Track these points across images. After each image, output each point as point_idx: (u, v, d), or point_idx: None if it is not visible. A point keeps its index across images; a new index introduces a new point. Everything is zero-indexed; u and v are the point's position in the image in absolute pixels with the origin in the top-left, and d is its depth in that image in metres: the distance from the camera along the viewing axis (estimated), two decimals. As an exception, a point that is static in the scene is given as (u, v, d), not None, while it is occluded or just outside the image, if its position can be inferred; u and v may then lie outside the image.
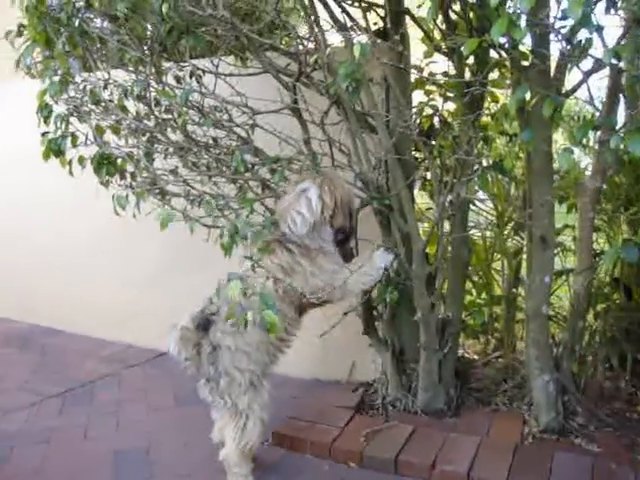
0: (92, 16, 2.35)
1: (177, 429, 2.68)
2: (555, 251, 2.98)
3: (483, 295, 3.29)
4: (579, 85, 2.14)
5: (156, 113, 2.50)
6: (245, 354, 2.12)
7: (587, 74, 1.95)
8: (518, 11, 1.58)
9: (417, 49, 2.96)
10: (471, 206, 3.19)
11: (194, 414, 2.50)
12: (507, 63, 2.53)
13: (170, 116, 2.51)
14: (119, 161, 2.47)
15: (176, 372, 2.21)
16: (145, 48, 2.21)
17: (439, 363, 2.68)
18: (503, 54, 2.29)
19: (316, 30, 2.17)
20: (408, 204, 2.52)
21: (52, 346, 3.87)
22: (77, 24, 2.16)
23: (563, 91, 2.23)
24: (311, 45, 2.24)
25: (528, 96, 1.99)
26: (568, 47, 1.84)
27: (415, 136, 2.50)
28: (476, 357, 3.29)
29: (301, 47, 2.15)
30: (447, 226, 2.62)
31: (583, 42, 1.77)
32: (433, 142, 2.70)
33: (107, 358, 3.60)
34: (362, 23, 2.52)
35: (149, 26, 2.14)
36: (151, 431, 2.67)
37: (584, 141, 3.01)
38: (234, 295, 1.69)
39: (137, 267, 3.80)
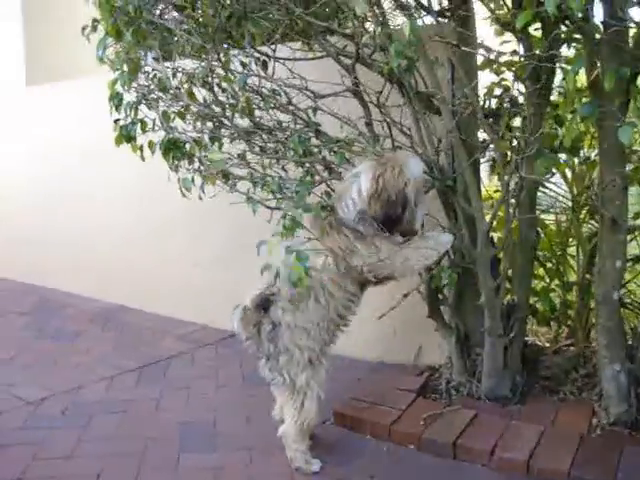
0: (161, 7, 2.44)
1: (242, 405, 2.77)
2: (632, 235, 2.85)
3: (556, 281, 3.18)
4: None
5: (222, 98, 2.58)
6: (304, 331, 2.16)
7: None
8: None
9: (488, 29, 2.89)
10: (547, 188, 3.12)
11: (259, 392, 2.57)
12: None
13: (235, 101, 2.58)
14: (187, 146, 2.56)
15: (246, 352, 2.28)
16: (207, 37, 2.26)
17: (504, 349, 2.62)
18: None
19: (376, 10, 2.15)
20: (472, 185, 2.47)
21: (131, 324, 4.08)
22: (144, 16, 2.25)
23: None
24: (370, 26, 2.22)
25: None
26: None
27: (480, 117, 2.45)
28: (547, 345, 3.19)
29: (358, 28, 2.13)
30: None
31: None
32: (500, 123, 2.63)
33: (182, 337, 3.76)
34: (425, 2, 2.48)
35: (211, 13, 2.18)
36: (217, 406, 2.78)
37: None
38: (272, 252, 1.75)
39: (208, 248, 3.94)
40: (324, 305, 2.16)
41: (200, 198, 2.39)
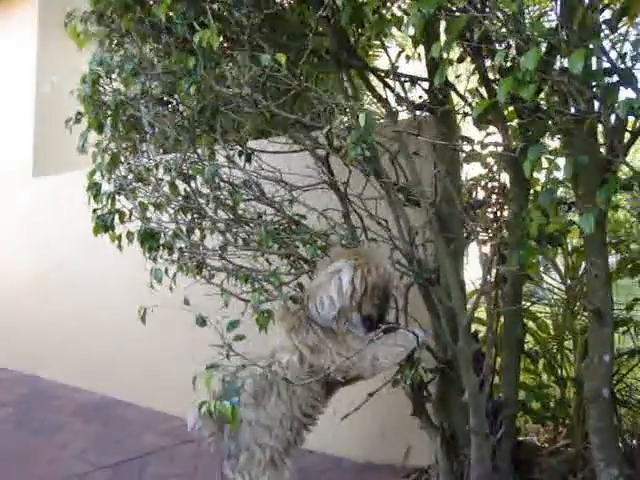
0: (143, 102, 2.51)
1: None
2: (625, 328, 2.75)
3: (551, 377, 3.04)
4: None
5: (205, 191, 2.60)
6: (266, 429, 2.05)
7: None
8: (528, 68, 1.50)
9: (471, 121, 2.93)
10: (540, 280, 3.05)
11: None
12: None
13: (217, 193, 2.60)
14: (166, 237, 2.56)
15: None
16: (183, 129, 2.32)
17: (493, 450, 2.46)
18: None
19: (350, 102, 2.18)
20: (452, 278, 2.41)
21: (118, 417, 3.97)
22: (124, 111, 2.31)
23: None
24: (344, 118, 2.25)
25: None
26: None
27: (460, 210, 2.44)
28: (545, 444, 3.01)
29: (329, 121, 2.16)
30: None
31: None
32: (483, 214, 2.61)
33: (166, 432, 3.62)
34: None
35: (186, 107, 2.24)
36: (190, 509, 2.62)
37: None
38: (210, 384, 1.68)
39: (202, 343, 3.85)
40: (286, 402, 2.07)
41: (170, 289, 2.36)
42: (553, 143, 2.65)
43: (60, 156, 5.17)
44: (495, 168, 2.83)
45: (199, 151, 2.37)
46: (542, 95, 2.27)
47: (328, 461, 3.14)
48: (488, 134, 2.89)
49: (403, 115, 2.63)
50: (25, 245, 5.37)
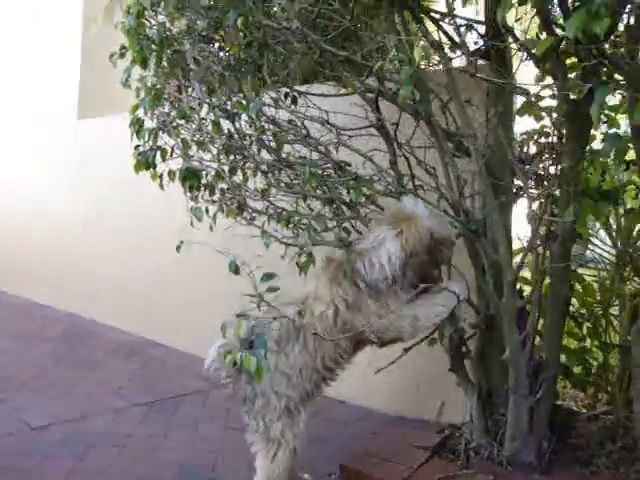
0: (189, 39, 2.44)
1: (247, 451, 2.61)
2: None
3: (595, 342, 2.94)
4: None
5: (249, 131, 2.54)
6: (285, 376, 2.02)
7: None
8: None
9: (528, 75, 2.78)
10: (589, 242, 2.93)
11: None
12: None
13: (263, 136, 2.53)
14: (208, 177, 2.52)
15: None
16: (229, 66, 2.24)
17: (530, 410, 2.40)
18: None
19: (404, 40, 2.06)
20: (500, 231, 2.32)
21: (155, 358, 4.03)
22: (168, 46, 2.25)
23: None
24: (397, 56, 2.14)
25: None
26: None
27: (513, 161, 2.33)
28: (583, 410, 2.93)
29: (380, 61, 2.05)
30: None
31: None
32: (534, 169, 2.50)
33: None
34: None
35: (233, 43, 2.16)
36: (221, 449, 2.65)
37: None
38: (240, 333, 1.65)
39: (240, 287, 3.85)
40: (311, 352, 2.03)
41: (211, 228, 2.33)
42: (613, 99, 2.51)
43: (106, 99, 5.18)
44: (549, 122, 2.71)
45: (244, 91, 2.29)
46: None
47: (359, 412, 3.13)
48: (544, 87, 2.76)
49: (457, 62, 2.51)
50: (69, 187, 5.43)
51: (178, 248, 2.29)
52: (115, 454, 2.55)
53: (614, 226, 2.93)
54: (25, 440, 2.65)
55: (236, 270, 2.11)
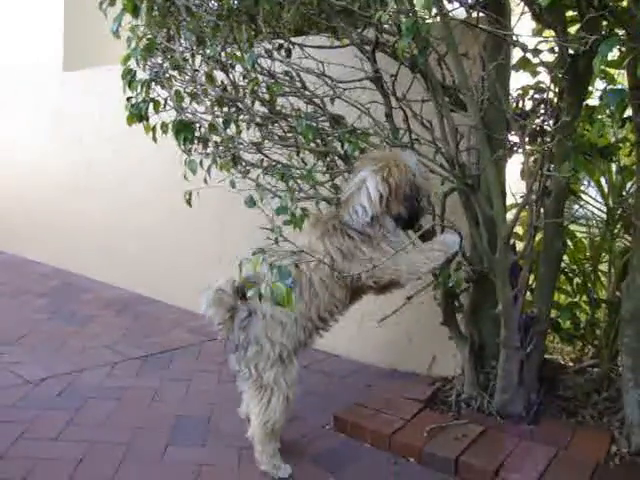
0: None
1: (240, 402, 2.67)
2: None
3: (583, 297, 2.98)
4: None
5: (242, 84, 2.50)
6: (280, 324, 2.04)
7: None
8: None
9: (526, 29, 2.74)
10: (580, 199, 2.95)
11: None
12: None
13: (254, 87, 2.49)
14: (202, 129, 2.48)
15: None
16: (224, 16, 2.18)
17: (521, 364, 2.45)
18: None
19: None
20: (495, 186, 2.31)
21: (147, 313, 4.04)
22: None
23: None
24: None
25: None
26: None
27: (510, 116, 2.31)
28: (570, 364, 3.00)
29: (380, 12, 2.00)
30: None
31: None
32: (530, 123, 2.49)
33: (194, 329, 3.68)
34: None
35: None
36: (216, 402, 2.69)
37: None
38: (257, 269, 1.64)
39: (232, 243, 3.85)
40: (307, 302, 2.05)
41: (205, 181, 2.31)
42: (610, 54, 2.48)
43: (93, 49, 5.04)
44: (545, 78, 2.68)
45: (238, 42, 2.24)
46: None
47: (353, 365, 3.18)
48: (542, 40, 2.72)
49: (455, 14, 2.46)
50: (55, 143, 5.33)
51: (188, 201, 2.27)
52: (111, 407, 2.58)
53: (605, 183, 2.94)
54: (21, 393, 2.66)
55: (252, 203, 2.09)
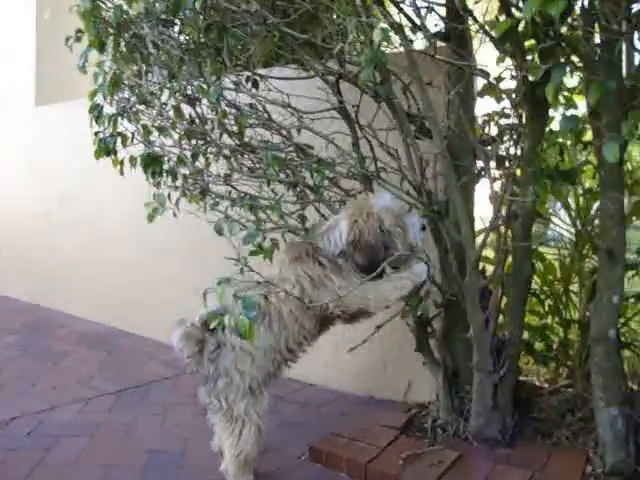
0: (147, 22, 2.39)
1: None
2: (635, 271, 2.70)
3: (556, 318, 3.02)
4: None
5: (210, 116, 2.52)
6: (249, 356, 2.04)
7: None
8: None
9: (489, 56, 2.81)
10: (549, 221, 3.00)
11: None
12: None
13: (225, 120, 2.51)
14: (170, 162, 2.49)
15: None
16: (189, 51, 2.21)
17: (494, 387, 2.46)
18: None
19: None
20: (462, 212, 2.35)
21: (121, 347, 3.99)
22: (126, 30, 2.21)
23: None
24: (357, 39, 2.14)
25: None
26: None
27: (473, 142, 2.36)
28: (545, 385, 3.01)
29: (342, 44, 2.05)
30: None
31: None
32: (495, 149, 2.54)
33: (168, 362, 3.63)
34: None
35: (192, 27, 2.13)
36: (190, 435, 2.65)
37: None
38: (222, 299, 1.64)
39: (205, 274, 3.83)
40: (276, 334, 2.06)
41: (174, 215, 2.31)
42: (572, 81, 2.55)
43: (64, 85, 5.04)
44: (510, 104, 2.74)
45: (205, 75, 2.27)
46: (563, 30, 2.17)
47: (329, 394, 3.16)
48: (507, 68, 2.79)
49: (418, 44, 2.52)
50: (28, 177, 5.30)
51: (150, 216, 2.25)
52: (83, 445, 2.53)
53: (573, 206, 3.00)
54: (-12, 435, 2.61)
55: (220, 231, 2.10)
